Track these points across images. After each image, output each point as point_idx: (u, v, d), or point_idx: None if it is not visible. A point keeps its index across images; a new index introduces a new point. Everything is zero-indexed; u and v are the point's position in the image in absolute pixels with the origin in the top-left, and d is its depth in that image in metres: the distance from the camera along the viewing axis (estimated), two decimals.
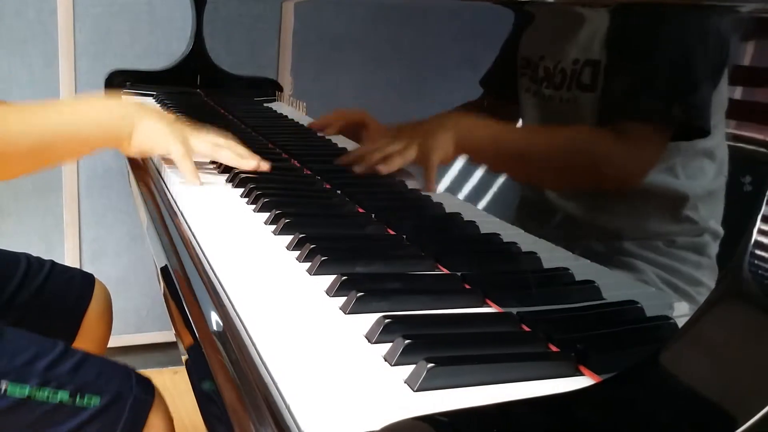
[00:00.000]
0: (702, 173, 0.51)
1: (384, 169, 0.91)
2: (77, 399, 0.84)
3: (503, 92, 0.76)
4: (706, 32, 0.51)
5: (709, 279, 0.48)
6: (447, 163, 0.82)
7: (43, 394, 0.83)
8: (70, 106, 0.97)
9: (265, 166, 0.99)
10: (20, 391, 0.82)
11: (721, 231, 0.48)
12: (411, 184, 0.92)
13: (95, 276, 1.23)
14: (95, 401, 0.85)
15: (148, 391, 0.91)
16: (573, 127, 0.65)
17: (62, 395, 0.84)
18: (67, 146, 0.94)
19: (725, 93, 0.49)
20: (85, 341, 1.16)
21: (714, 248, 0.49)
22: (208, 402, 0.62)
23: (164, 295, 0.80)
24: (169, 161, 1.07)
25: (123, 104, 0.99)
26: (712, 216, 0.49)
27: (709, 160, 0.50)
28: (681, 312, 0.51)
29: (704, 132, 0.50)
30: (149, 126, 0.96)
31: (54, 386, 0.84)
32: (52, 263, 1.16)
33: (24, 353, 0.85)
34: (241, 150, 1.00)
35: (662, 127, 0.55)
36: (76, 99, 1.03)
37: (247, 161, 0.98)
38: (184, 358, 0.72)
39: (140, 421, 0.88)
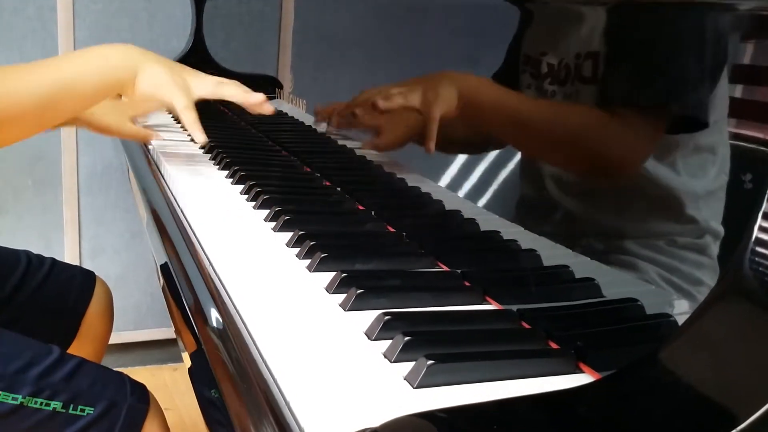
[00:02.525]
0: (704, 171, 0.51)
1: (382, 103, 0.88)
2: (70, 408, 0.84)
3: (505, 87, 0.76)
4: (704, 28, 0.51)
5: (710, 278, 0.48)
6: (448, 118, 0.80)
7: (36, 403, 0.83)
8: (69, 59, 0.93)
9: (269, 108, 0.98)
10: (12, 399, 0.82)
11: (722, 231, 0.48)
12: (411, 180, 0.93)
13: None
14: (89, 410, 0.85)
15: (143, 399, 0.90)
16: (576, 106, 0.65)
17: (55, 405, 0.83)
18: (72, 99, 0.91)
19: (726, 90, 0.49)
20: (85, 340, 1.15)
21: (715, 248, 0.49)
22: (207, 399, 0.62)
23: (164, 292, 0.81)
24: (169, 155, 1.07)
25: (122, 49, 0.95)
26: (713, 216, 0.49)
27: (710, 158, 0.50)
28: (681, 310, 0.51)
29: (702, 124, 0.50)
30: (151, 71, 0.94)
31: (47, 395, 0.83)
32: (53, 261, 1.16)
33: (18, 360, 0.84)
34: (244, 87, 0.99)
35: (658, 119, 0.55)
36: (73, 52, 0.98)
37: (255, 95, 0.97)
38: (183, 355, 0.72)
39: (136, 430, 0.88)
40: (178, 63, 0.99)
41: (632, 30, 0.59)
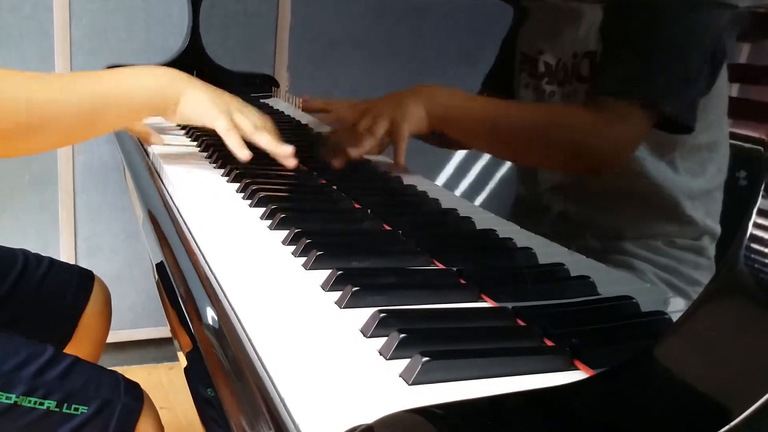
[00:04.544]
0: (702, 170, 0.50)
1: (354, 152, 0.91)
2: (64, 407, 0.84)
3: (501, 88, 0.75)
4: (701, 26, 0.51)
5: (707, 279, 0.48)
6: (421, 135, 0.81)
7: (30, 402, 0.82)
8: (115, 74, 0.94)
9: (292, 162, 0.97)
10: (6, 398, 0.81)
11: (719, 230, 0.48)
12: (407, 179, 0.93)
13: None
14: (83, 409, 0.85)
15: (137, 398, 0.90)
16: (556, 106, 0.65)
17: (49, 404, 0.83)
18: (114, 113, 0.92)
19: (725, 89, 0.49)
20: (82, 341, 1.14)
21: (713, 248, 0.49)
22: (203, 398, 0.62)
23: (159, 291, 0.80)
24: (165, 155, 1.07)
25: (169, 73, 0.96)
26: (711, 215, 0.49)
27: (709, 156, 0.50)
28: (675, 307, 0.51)
29: (689, 128, 0.51)
30: (195, 96, 0.95)
31: (41, 395, 0.83)
32: (51, 260, 1.15)
33: (12, 359, 0.84)
34: (277, 138, 0.99)
35: (648, 117, 0.55)
36: (120, 69, 0.98)
37: (284, 148, 0.96)
38: (179, 354, 0.72)
39: (129, 429, 0.88)
40: (224, 91, 1.00)
41: (631, 28, 0.59)
